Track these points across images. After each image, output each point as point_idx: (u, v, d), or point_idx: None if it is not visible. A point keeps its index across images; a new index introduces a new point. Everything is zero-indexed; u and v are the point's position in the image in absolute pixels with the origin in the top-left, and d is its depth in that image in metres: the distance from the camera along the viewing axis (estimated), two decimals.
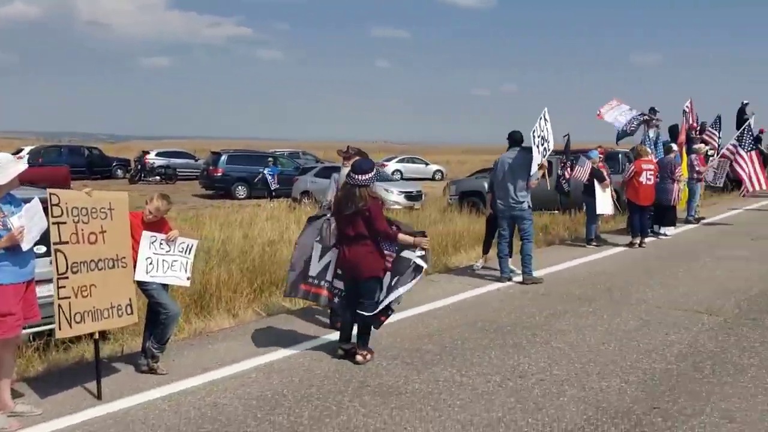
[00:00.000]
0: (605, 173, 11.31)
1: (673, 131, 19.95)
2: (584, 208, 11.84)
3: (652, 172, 11.20)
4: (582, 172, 11.34)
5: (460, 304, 7.22)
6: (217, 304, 7.39)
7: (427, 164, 41.37)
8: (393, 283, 5.38)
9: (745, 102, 23.72)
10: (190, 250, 5.42)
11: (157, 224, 5.30)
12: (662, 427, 4.07)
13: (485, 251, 9.36)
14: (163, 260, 5.21)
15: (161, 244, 5.21)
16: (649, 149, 12.56)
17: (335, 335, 5.72)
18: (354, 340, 5.43)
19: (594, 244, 11.07)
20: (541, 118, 8.47)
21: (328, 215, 5.66)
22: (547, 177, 8.95)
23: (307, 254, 5.60)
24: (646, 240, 11.21)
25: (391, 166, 37.91)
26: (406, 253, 5.37)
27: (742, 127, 16.17)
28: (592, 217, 11.24)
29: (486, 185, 18.85)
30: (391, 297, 5.37)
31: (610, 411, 4.31)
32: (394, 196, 20.79)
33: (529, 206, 8.37)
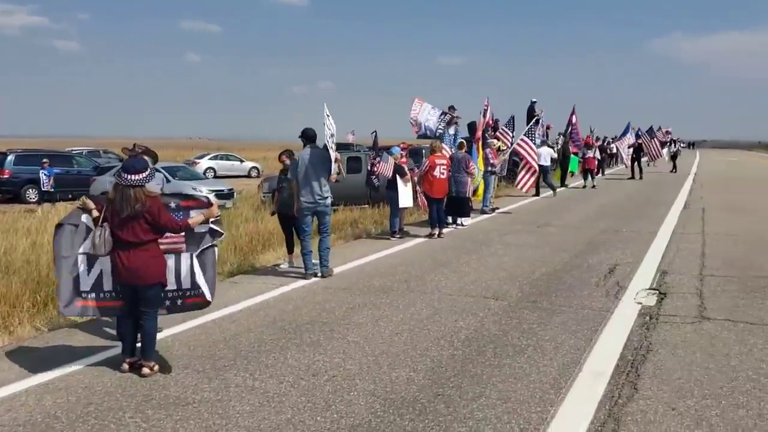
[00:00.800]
0: (407, 168, 11.75)
1: (472, 127, 21.31)
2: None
3: (444, 167, 11.81)
4: (386, 167, 11.68)
5: (261, 304, 7.09)
6: None
7: (242, 161, 40.55)
8: (193, 265, 5.26)
9: (533, 100, 25.91)
10: None
11: None
12: (444, 413, 4.24)
13: (290, 250, 9.31)
14: None
15: None
16: (445, 145, 13.28)
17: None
18: (139, 351, 5.12)
19: (397, 236, 11.46)
20: (326, 116, 8.57)
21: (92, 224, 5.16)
22: (343, 171, 9.11)
23: (72, 268, 5.12)
24: (444, 231, 11.82)
25: (204, 164, 36.71)
26: (197, 228, 5.30)
27: (530, 123, 17.65)
28: (395, 210, 11.63)
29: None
30: (202, 283, 5.24)
31: (397, 402, 4.42)
32: (203, 195, 20.12)
33: (331, 201, 8.53)
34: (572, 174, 26.34)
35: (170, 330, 5.95)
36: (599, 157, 27.15)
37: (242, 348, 5.60)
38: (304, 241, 8.53)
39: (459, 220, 13.03)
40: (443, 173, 11.81)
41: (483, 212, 15.09)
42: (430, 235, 11.51)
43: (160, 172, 9.61)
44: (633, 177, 27.22)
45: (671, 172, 31.81)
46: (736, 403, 4.34)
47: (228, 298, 7.20)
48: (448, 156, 12.43)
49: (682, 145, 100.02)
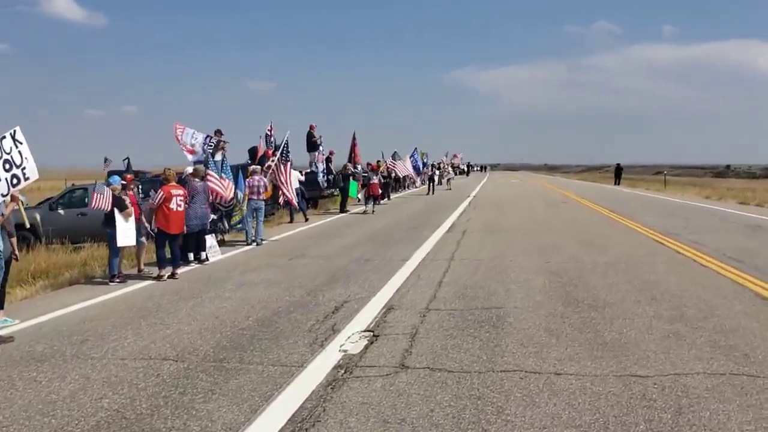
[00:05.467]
0: (128, 201, 10.22)
1: (252, 153, 20.26)
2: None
3: (182, 198, 10.51)
4: (102, 200, 10.08)
5: None
6: None
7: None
8: None
9: (312, 125, 25.65)
10: None
11: None
12: None
13: None
14: None
15: None
16: (212, 171, 12.49)
17: None
18: None
19: (117, 280, 9.86)
20: (3, 138, 7.05)
21: None
22: (22, 211, 7.46)
23: None
24: (179, 270, 10.43)
25: None
26: None
27: (283, 141, 16.87)
28: (114, 250, 10.03)
29: (38, 216, 16.44)
30: None
31: None
32: None
33: (8, 251, 6.85)
34: (359, 200, 26.10)
35: None
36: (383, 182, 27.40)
37: None
38: None
39: (204, 255, 11.75)
40: (180, 205, 10.49)
41: (248, 243, 14.02)
42: (159, 278, 10.04)
43: None
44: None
45: (427, 194, 34.88)
46: None
47: None
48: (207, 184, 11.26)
49: (475, 168, 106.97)
